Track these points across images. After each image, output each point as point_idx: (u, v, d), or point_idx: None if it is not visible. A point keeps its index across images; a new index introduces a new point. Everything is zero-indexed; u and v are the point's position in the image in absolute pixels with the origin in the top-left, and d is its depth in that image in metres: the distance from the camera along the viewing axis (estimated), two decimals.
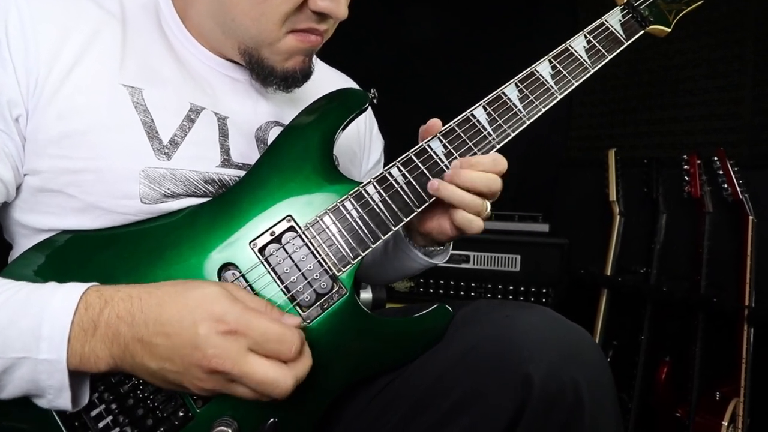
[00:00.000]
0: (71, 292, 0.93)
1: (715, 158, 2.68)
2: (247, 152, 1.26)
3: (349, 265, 1.13)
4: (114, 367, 0.94)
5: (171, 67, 1.23)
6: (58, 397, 0.94)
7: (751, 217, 2.58)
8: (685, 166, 2.80)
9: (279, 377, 0.90)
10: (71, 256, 1.08)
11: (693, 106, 3.05)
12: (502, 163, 1.22)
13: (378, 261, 1.64)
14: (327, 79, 1.53)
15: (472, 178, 1.19)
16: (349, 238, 1.14)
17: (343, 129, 1.24)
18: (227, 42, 1.24)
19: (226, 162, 1.22)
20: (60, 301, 0.92)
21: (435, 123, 1.26)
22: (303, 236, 1.13)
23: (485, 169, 1.20)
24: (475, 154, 1.24)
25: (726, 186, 2.64)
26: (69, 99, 1.07)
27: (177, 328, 0.90)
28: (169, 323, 0.90)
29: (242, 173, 1.20)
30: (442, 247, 1.48)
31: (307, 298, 1.10)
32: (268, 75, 1.25)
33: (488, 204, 1.23)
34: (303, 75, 1.28)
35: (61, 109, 1.07)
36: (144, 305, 0.92)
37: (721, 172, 2.65)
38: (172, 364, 0.90)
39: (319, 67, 1.57)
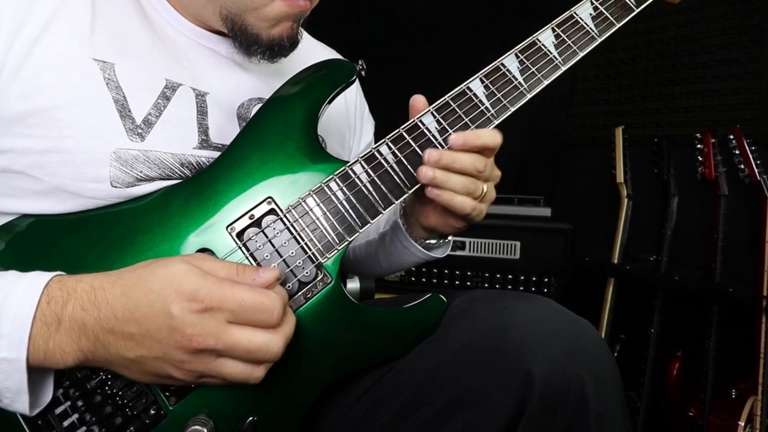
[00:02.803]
0: (32, 285, 0.93)
1: (731, 136, 2.68)
2: (227, 131, 1.25)
3: (335, 252, 1.13)
4: (84, 361, 0.94)
5: (146, 39, 1.22)
6: (15, 401, 0.94)
7: None
8: (699, 145, 2.80)
9: (267, 341, 0.92)
10: (34, 243, 1.08)
11: (707, 80, 3.06)
12: (497, 138, 1.22)
13: (372, 253, 1.64)
14: (314, 54, 1.53)
15: (456, 159, 1.18)
16: (334, 222, 1.14)
17: (329, 103, 1.24)
18: (208, 7, 1.23)
19: (204, 143, 1.21)
20: (19, 298, 0.91)
21: (418, 100, 1.26)
22: (284, 219, 1.13)
23: (485, 143, 1.20)
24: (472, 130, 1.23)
25: (743, 166, 2.64)
26: (33, 74, 1.06)
27: (148, 313, 0.90)
28: (138, 309, 0.90)
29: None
30: (443, 240, 1.47)
31: (289, 287, 1.10)
32: (253, 43, 1.24)
33: (484, 186, 1.23)
34: (291, 43, 1.28)
35: (24, 85, 1.05)
36: (109, 296, 0.92)
37: (737, 152, 2.66)
38: (150, 350, 0.91)
39: (306, 40, 1.57)
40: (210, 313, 0.90)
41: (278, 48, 1.26)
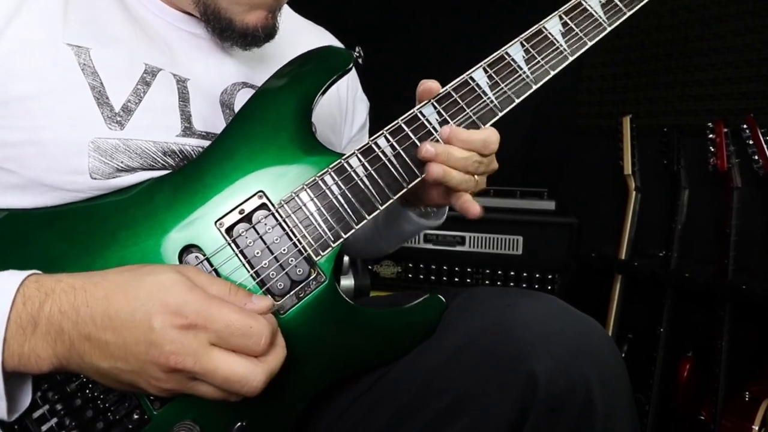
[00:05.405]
0: (7, 285, 0.91)
1: (745, 126, 2.67)
2: (211, 119, 1.25)
3: (329, 249, 1.13)
4: (59, 367, 0.92)
5: (122, 22, 1.22)
6: None
7: None
8: (710, 135, 2.79)
9: (248, 373, 0.89)
10: (10, 238, 1.07)
11: (719, 67, 3.05)
12: (494, 138, 1.21)
13: (368, 236, 1.65)
14: (304, 35, 1.52)
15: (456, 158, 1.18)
16: (329, 218, 1.14)
17: (323, 93, 1.23)
18: None
19: (188, 130, 1.21)
20: None
21: (430, 86, 1.24)
22: (276, 215, 1.12)
23: (473, 148, 1.19)
24: (474, 122, 1.23)
25: (757, 157, 2.63)
26: (4, 61, 1.05)
27: (128, 322, 0.88)
28: (117, 317, 0.89)
29: (205, 143, 1.19)
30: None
31: (280, 285, 1.10)
32: (226, 29, 1.23)
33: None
34: (265, 34, 1.27)
35: None
36: (89, 298, 0.90)
37: (751, 142, 2.65)
38: (126, 363, 0.89)
39: (295, 20, 1.56)
40: (193, 332, 0.88)
41: (252, 38, 1.26)
